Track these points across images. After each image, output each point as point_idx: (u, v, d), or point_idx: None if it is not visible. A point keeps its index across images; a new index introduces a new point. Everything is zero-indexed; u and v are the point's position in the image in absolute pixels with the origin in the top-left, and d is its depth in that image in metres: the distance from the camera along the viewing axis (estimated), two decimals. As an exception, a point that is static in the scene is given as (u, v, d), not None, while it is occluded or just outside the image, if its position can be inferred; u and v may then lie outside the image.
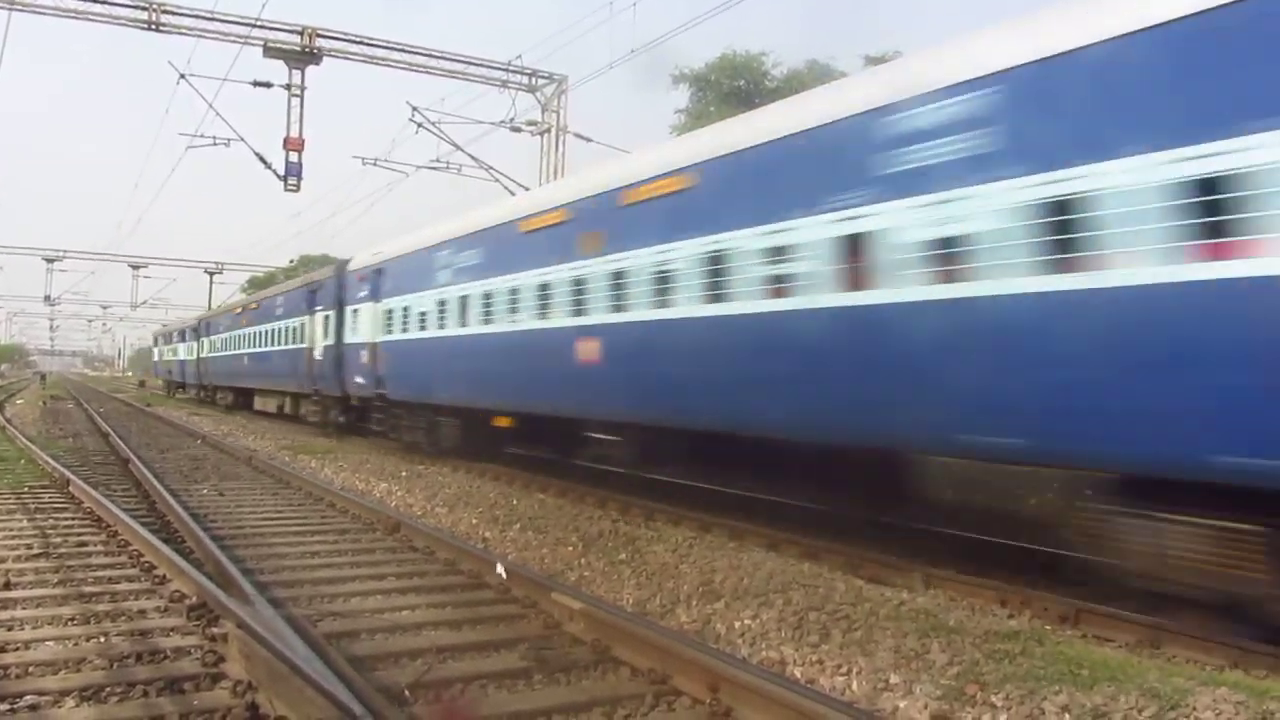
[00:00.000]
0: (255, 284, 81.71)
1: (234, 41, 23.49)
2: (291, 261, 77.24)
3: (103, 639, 5.88)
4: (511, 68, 26.96)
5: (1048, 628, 6.83)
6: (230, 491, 12.79)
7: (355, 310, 20.79)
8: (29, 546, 8.59)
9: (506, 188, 25.34)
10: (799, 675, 5.84)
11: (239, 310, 36.86)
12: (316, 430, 24.40)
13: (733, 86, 36.35)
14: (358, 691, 4.73)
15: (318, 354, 23.42)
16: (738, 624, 6.71)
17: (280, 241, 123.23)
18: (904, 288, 7.69)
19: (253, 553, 8.65)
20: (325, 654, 5.46)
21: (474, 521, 10.92)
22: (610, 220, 11.79)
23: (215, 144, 26.15)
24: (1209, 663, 6.19)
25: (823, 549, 9.10)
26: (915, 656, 5.87)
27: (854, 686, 5.60)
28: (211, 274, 66.76)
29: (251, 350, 32.36)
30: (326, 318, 22.89)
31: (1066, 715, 5.00)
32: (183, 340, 49.20)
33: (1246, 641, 6.22)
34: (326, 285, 23.53)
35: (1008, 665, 5.67)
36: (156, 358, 65.41)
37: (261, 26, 23.56)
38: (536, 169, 27.38)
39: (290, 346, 26.58)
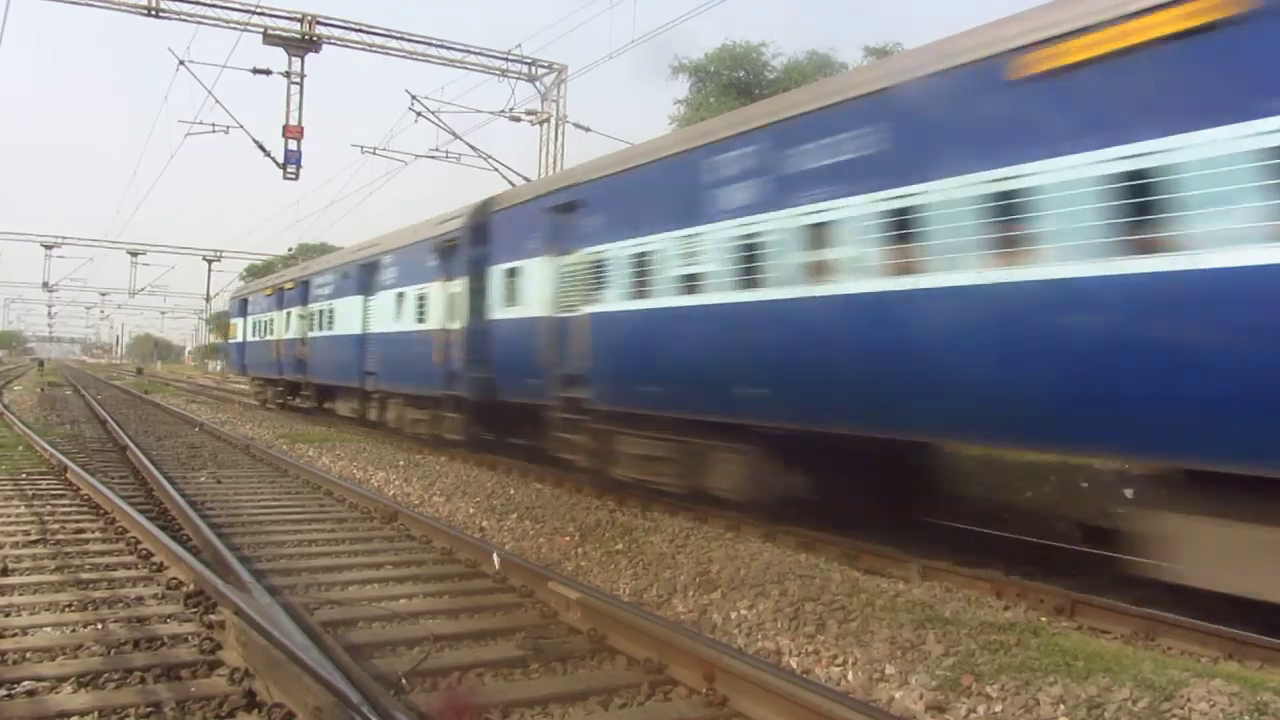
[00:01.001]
0: (253, 271, 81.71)
1: (234, 28, 23.44)
2: (290, 250, 77.21)
3: (100, 626, 5.89)
4: (511, 57, 26.90)
5: (1043, 619, 6.83)
6: (228, 479, 12.79)
7: None
8: (26, 533, 8.60)
9: (506, 178, 25.27)
10: (795, 665, 5.85)
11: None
12: (314, 418, 24.37)
13: (732, 77, 36.29)
14: (354, 679, 4.74)
15: None
16: (734, 614, 6.72)
17: (278, 230, 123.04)
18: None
19: (250, 540, 8.66)
20: (322, 642, 5.48)
21: (471, 511, 10.94)
22: None
23: (214, 131, 26.10)
24: (1204, 654, 6.21)
25: (819, 540, 9.11)
26: (911, 647, 5.88)
27: (850, 677, 5.61)
28: (210, 261, 66.71)
29: None
30: None
31: (1061, 706, 5.02)
32: (352, 290, 20.90)
33: (1242, 633, 6.25)
34: None
35: (1003, 656, 5.69)
36: (241, 335, 33.57)
37: (261, 13, 23.51)
38: (535, 158, 27.37)
39: None
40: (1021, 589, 7.53)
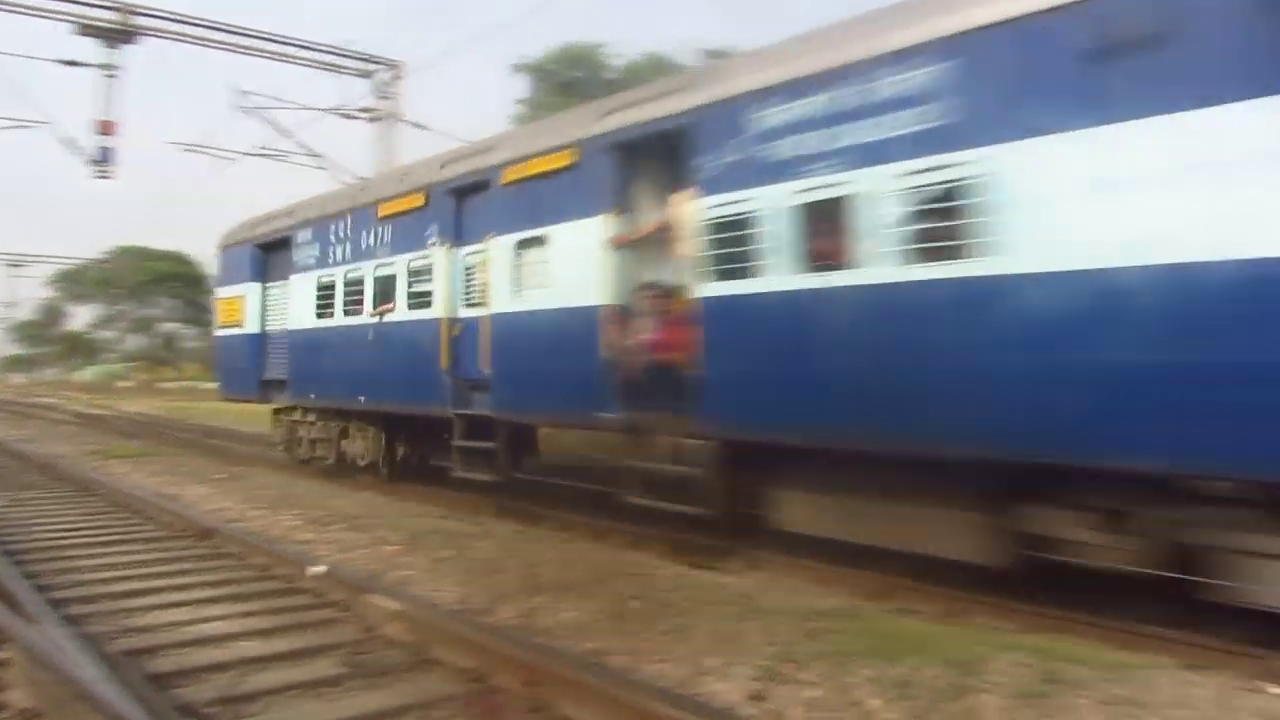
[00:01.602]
0: (65, 277, 76.73)
1: (43, 16, 21.81)
2: (105, 254, 72.88)
3: None
4: (345, 52, 26.13)
5: (860, 604, 7.08)
6: (27, 503, 11.88)
7: None
8: None
9: (337, 178, 24.53)
10: (619, 664, 5.86)
11: None
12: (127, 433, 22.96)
13: (571, 77, 36.43)
14: (156, 712, 4.49)
15: None
16: (561, 617, 6.68)
17: (93, 233, 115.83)
18: None
19: (47, 568, 8.08)
20: (122, 673, 5.15)
21: (292, 523, 10.49)
22: None
23: (15, 126, 24.33)
24: (1007, 628, 6.56)
25: (649, 537, 9.19)
26: (733, 639, 5.99)
27: (672, 672, 5.65)
28: (14, 266, 62.55)
29: None
30: None
31: (874, 686, 5.20)
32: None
33: (1041, 607, 6.67)
34: None
35: (821, 642, 5.85)
36: (258, 319, 15.99)
37: (74, 1, 21.95)
38: (369, 157, 26.70)
39: None
40: (841, 575, 7.78)
